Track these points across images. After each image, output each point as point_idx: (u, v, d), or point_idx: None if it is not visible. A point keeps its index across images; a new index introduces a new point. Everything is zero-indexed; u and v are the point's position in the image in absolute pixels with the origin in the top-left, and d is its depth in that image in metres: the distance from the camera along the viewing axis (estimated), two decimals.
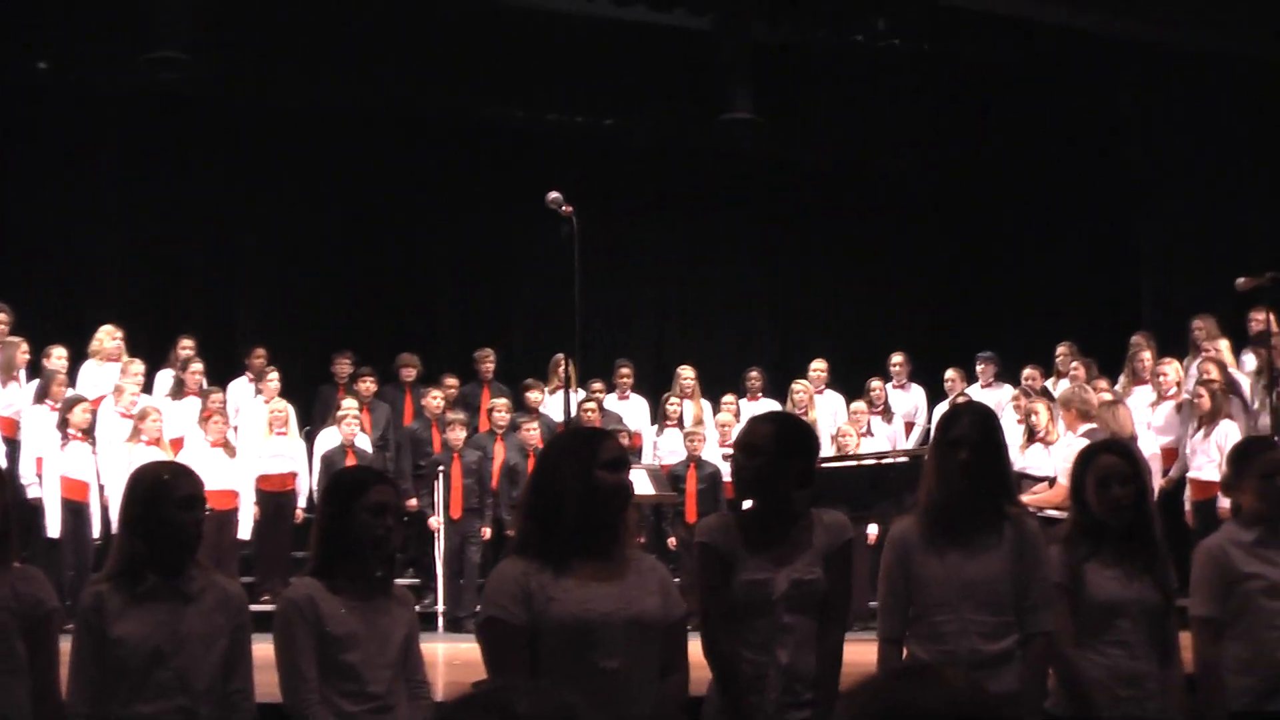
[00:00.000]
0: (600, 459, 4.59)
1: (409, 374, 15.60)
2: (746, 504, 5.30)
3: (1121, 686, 5.34)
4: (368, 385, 14.89)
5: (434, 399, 14.70)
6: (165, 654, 4.93)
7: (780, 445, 5.12)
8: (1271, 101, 16.27)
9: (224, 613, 5.10)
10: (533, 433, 14.12)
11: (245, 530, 13.68)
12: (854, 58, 16.59)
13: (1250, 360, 12.84)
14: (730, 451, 14.07)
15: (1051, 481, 10.89)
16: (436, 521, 14.01)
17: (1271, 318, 10.53)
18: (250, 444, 14.00)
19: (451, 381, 15.29)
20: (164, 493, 5.03)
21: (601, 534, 4.59)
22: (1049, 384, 14.18)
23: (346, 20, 15.21)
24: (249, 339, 15.84)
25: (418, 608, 5.81)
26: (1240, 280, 10.56)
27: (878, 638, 5.30)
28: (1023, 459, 11.37)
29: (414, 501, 14.08)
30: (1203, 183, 17.00)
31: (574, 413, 10.56)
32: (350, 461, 13.47)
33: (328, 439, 14.19)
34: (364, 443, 14.15)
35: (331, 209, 17.25)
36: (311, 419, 15.13)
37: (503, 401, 14.75)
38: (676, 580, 5.04)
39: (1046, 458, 11.75)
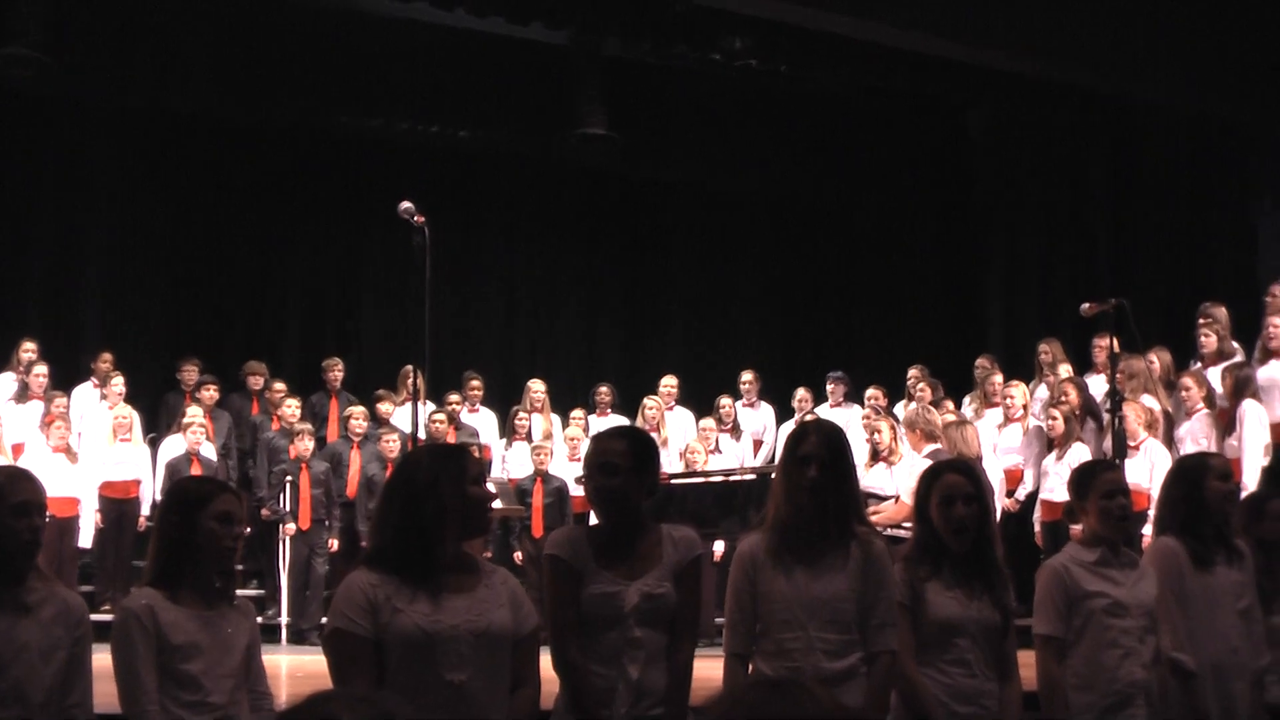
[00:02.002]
0: (469, 474, 4.61)
1: (256, 382, 15.48)
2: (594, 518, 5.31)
3: (961, 704, 5.42)
4: (210, 393, 14.74)
5: (288, 408, 14.57)
6: (1, 666, 4.84)
7: (635, 461, 5.15)
8: (1117, 131, 16.61)
9: (63, 625, 5.03)
10: (391, 443, 14.00)
11: (86, 538, 13.48)
12: (710, 77, 16.66)
13: (1095, 384, 13.05)
14: (579, 472, 14.11)
15: (896, 500, 11.01)
16: (293, 528, 13.88)
17: (1114, 343, 10.70)
18: (93, 450, 13.79)
19: (280, 387, 15.19)
20: None
21: (456, 547, 4.59)
22: (900, 405, 14.31)
23: (201, 24, 15.03)
24: (95, 344, 15.58)
25: (261, 619, 5.76)
26: (1085, 305, 10.72)
27: (724, 653, 5.31)
28: (866, 477, 11.47)
29: (267, 511, 13.96)
30: (1049, 209, 17.30)
31: (422, 424, 10.49)
32: (195, 470, 13.33)
33: (172, 446, 14.02)
34: (209, 451, 13.99)
35: (182, 214, 17.00)
36: (157, 426, 14.94)
37: (360, 410, 14.67)
38: None
39: (889, 477, 11.88)
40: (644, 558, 5.12)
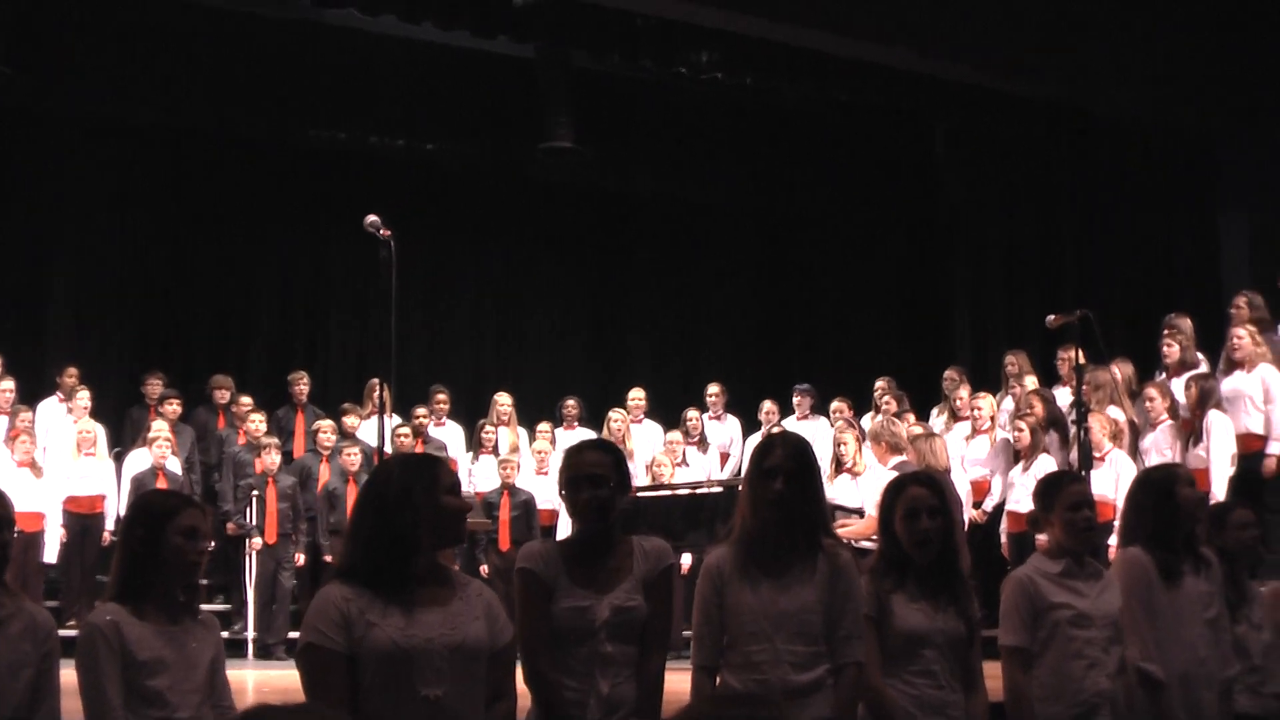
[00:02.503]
0: (443, 484, 4.58)
1: (222, 396, 15.42)
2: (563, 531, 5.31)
3: (927, 715, 5.43)
4: (173, 407, 14.68)
5: (254, 423, 14.53)
6: None
7: (618, 474, 5.19)
8: (1081, 143, 16.68)
9: (31, 640, 5.00)
10: (353, 457, 13.98)
11: (51, 553, 13.42)
12: (677, 90, 16.69)
13: (1060, 396, 13.10)
14: (546, 485, 14.09)
15: (862, 513, 11.04)
16: (260, 542, 13.84)
17: (1079, 354, 10.75)
18: (58, 465, 13.72)
19: (246, 401, 15.15)
20: None
21: (431, 559, 4.57)
22: (867, 417, 14.32)
23: (168, 36, 15.01)
24: (60, 358, 15.51)
25: (228, 634, 5.74)
26: (1050, 317, 10.76)
27: (691, 665, 5.31)
28: (830, 489, 11.50)
29: (233, 525, 13.92)
30: (1015, 221, 17.36)
31: (388, 438, 10.48)
32: (161, 484, 13.28)
33: (137, 461, 13.97)
34: (175, 465, 13.95)
35: (148, 227, 16.95)
36: (122, 440, 14.89)
37: (328, 424, 14.64)
38: None
39: (854, 488, 11.91)
40: (615, 570, 5.14)
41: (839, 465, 12.19)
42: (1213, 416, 11.40)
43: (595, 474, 5.16)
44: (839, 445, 12.31)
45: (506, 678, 4.70)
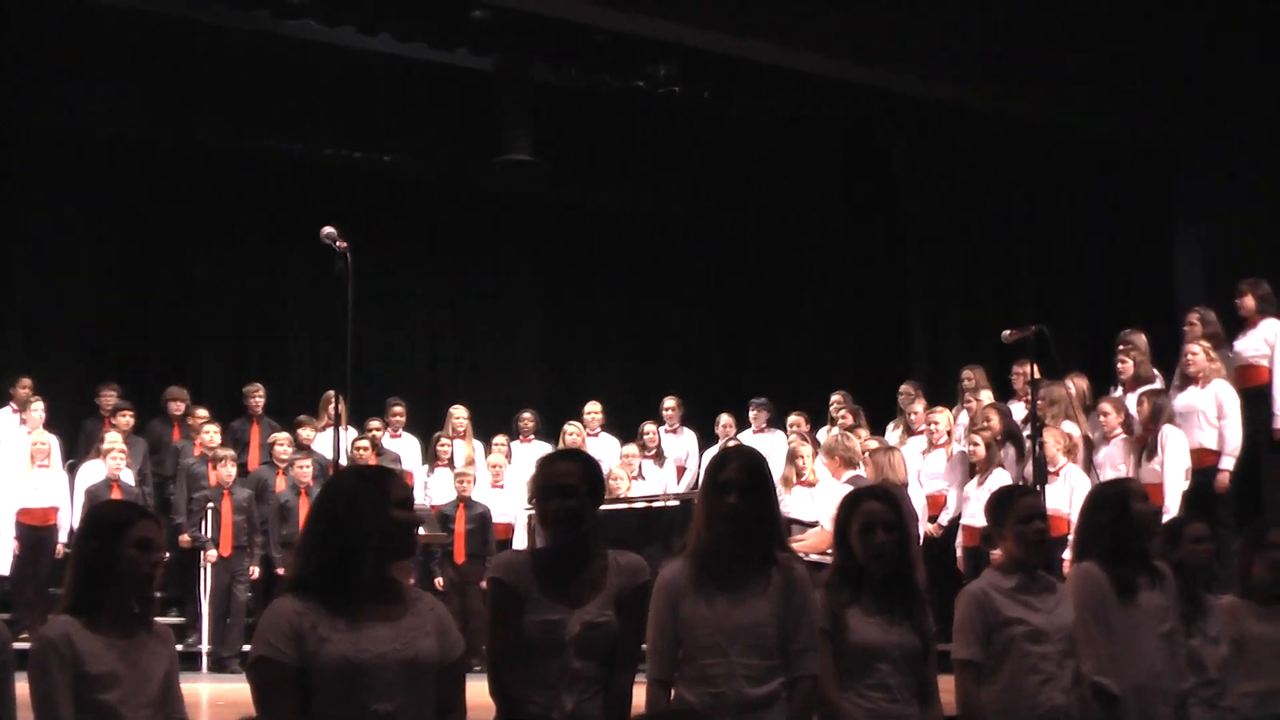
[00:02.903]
0: (393, 497, 4.55)
1: (177, 407, 15.33)
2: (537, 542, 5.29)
3: None
4: (126, 419, 14.59)
5: (208, 434, 14.46)
6: None
7: (588, 484, 5.19)
8: (1037, 158, 16.75)
9: None
10: (306, 469, 13.93)
11: (4, 565, 13.34)
12: (636, 104, 16.70)
13: (1015, 410, 13.14)
14: (503, 498, 14.07)
15: (817, 525, 11.05)
16: (214, 555, 13.77)
17: (1034, 369, 10.79)
18: (12, 476, 13.64)
19: (201, 413, 15.06)
20: None
21: (382, 573, 4.55)
22: (823, 431, 14.32)
23: (124, 46, 14.94)
24: (14, 369, 15.40)
25: (182, 647, 5.71)
26: (1006, 332, 10.79)
27: (647, 679, 5.30)
28: (785, 502, 11.50)
29: (187, 537, 13.84)
30: (971, 236, 17.42)
31: (344, 450, 10.45)
32: (115, 495, 13.18)
33: (91, 472, 13.88)
34: (129, 477, 13.86)
35: (102, 237, 16.86)
36: (76, 452, 14.80)
37: (284, 436, 14.55)
38: None
39: (809, 501, 11.92)
40: (588, 584, 5.13)
41: (796, 477, 12.20)
42: (1167, 431, 11.45)
43: (565, 484, 5.14)
44: (795, 458, 12.34)
45: (456, 693, 4.67)
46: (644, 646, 5.28)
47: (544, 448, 15.15)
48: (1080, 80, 15.48)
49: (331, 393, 13.59)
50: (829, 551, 7.19)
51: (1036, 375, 10.72)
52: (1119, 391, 12.56)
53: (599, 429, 15.83)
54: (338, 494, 4.60)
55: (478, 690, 4.99)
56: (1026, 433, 11.32)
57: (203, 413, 15.03)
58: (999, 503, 6.10)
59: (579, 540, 5.18)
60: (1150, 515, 6.44)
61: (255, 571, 13.96)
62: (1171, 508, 11.10)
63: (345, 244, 8.57)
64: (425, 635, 4.54)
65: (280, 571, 13.52)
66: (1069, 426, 12.00)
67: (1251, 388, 12.20)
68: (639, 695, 5.27)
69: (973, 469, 12.37)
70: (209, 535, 13.84)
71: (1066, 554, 9.86)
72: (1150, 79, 15.65)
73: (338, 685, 4.35)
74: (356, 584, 4.46)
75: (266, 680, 4.39)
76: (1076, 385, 12.70)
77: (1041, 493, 7.80)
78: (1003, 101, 15.87)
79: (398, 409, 15.65)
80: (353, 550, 4.46)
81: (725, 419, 15.74)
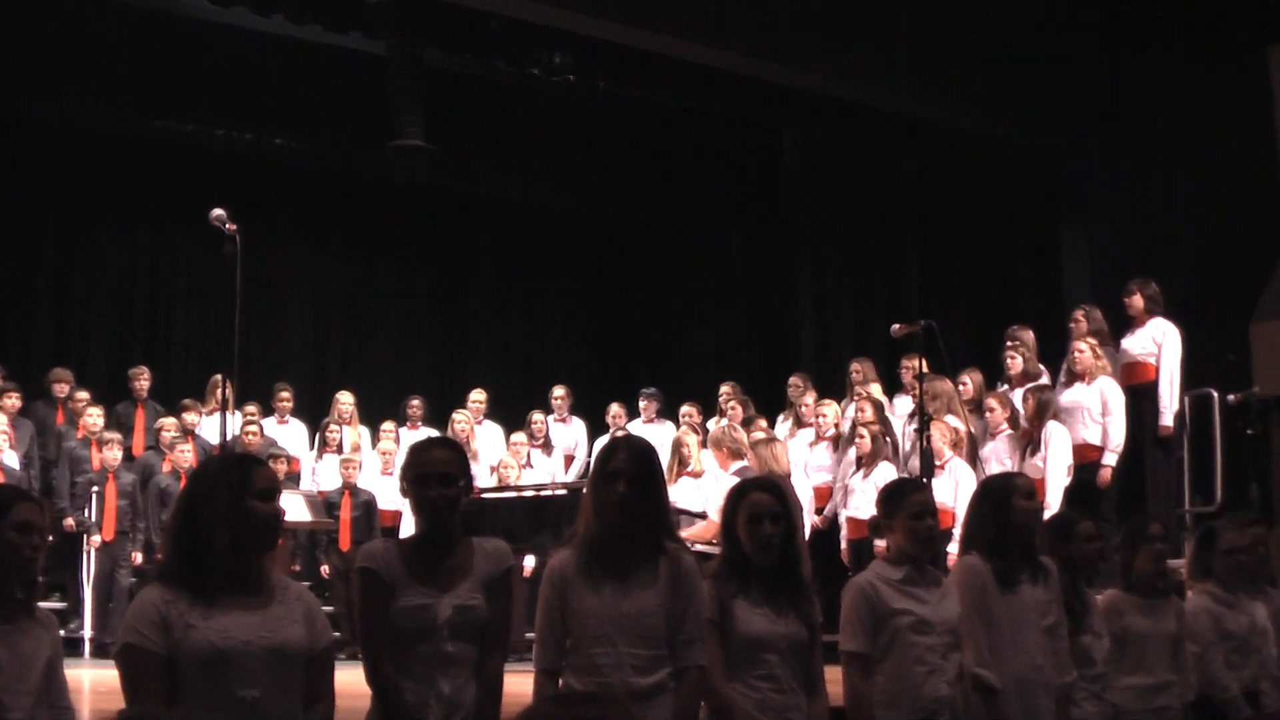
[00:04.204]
0: (253, 488, 4.54)
1: (61, 389, 15.09)
2: (405, 530, 5.27)
3: (769, 718, 5.45)
4: (13, 401, 14.36)
5: (90, 417, 14.25)
6: None
7: (464, 472, 5.16)
8: (928, 155, 16.90)
9: None
10: (185, 454, 13.74)
11: None
12: (530, 92, 16.64)
13: (903, 404, 13.24)
14: (395, 485, 14.00)
15: (705, 516, 11.07)
16: (98, 540, 13.59)
17: (923, 364, 10.88)
18: None
19: (83, 395, 14.86)
20: None
21: (248, 563, 4.54)
22: (712, 423, 14.36)
23: (9, 21, 14.68)
24: None
25: (64, 632, 5.63)
26: (895, 327, 10.89)
27: (534, 669, 5.30)
28: (671, 491, 11.52)
29: (71, 521, 13.65)
30: (861, 230, 17.54)
31: (231, 435, 10.35)
32: None
33: None
34: (11, 460, 13.64)
35: None
36: None
37: (171, 421, 14.34)
38: (328, 609, 4.97)
39: (695, 491, 11.94)
40: (455, 570, 5.11)
41: (680, 466, 12.23)
42: (1051, 427, 11.58)
43: (445, 472, 5.11)
44: (680, 448, 12.37)
45: (324, 681, 4.69)
46: (529, 635, 5.28)
47: (433, 434, 15.10)
48: (969, 81, 15.62)
49: (219, 377, 13.45)
50: (715, 541, 7.22)
51: (924, 369, 10.81)
52: (1007, 387, 12.68)
53: (482, 416, 15.75)
54: (200, 483, 4.62)
55: (354, 679, 4.97)
56: (914, 426, 11.40)
57: (84, 395, 14.82)
58: (890, 496, 6.13)
59: (452, 525, 5.16)
60: (1030, 512, 6.49)
61: (138, 557, 13.79)
62: (1053, 503, 11.23)
63: (235, 226, 8.49)
64: (293, 623, 4.56)
65: (159, 557, 13.37)
66: (953, 420, 12.10)
67: (1137, 385, 12.34)
68: (524, 684, 5.26)
69: (859, 461, 12.42)
70: (93, 520, 13.66)
71: (951, 547, 9.96)
72: (1037, 81, 15.81)
73: (204, 672, 4.37)
74: (220, 572, 4.46)
75: (134, 668, 4.39)
76: (973, 380, 12.82)
77: (928, 486, 7.84)
78: (892, 99, 15.97)
79: (284, 394, 15.53)
80: (206, 539, 4.47)
81: (615, 408, 15.75)
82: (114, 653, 4.47)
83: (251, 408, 14.85)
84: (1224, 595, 7.58)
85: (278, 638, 4.47)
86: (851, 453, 12.59)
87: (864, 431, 12.31)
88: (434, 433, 14.93)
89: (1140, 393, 12.30)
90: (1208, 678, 7.38)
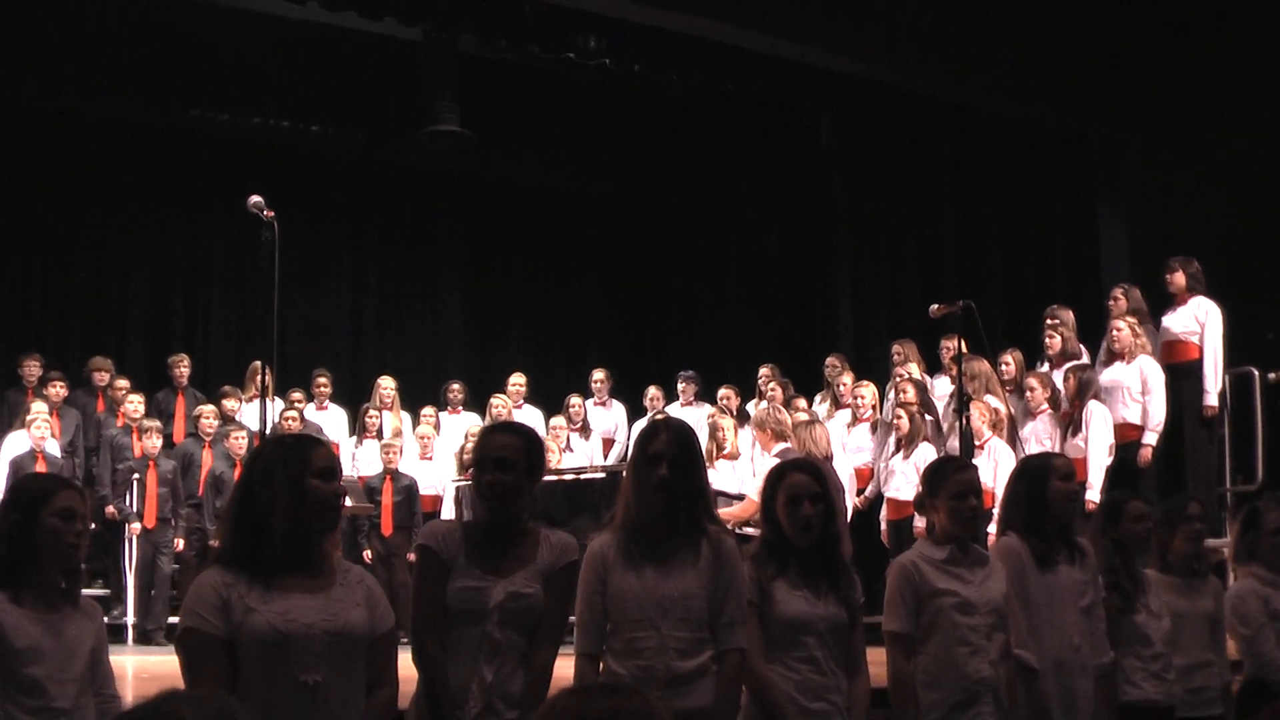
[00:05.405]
0: (313, 467, 4.51)
1: (101, 378, 15.18)
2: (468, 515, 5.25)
3: (810, 700, 5.44)
4: (58, 390, 14.45)
5: (130, 405, 14.33)
6: None
7: (527, 458, 5.14)
8: (963, 138, 16.83)
9: None
10: (239, 440, 13.77)
11: None
12: (564, 76, 16.63)
13: (942, 385, 13.21)
14: (430, 469, 14.03)
15: (743, 499, 11.07)
16: (139, 527, 13.66)
17: (961, 344, 10.84)
18: None
19: (123, 383, 14.95)
20: None
21: (309, 545, 4.52)
22: (751, 405, 14.35)
23: (47, 14, 14.73)
24: None
25: (106, 619, 5.64)
26: (933, 307, 10.85)
27: (575, 653, 5.28)
28: (710, 474, 11.51)
29: (112, 509, 13.72)
30: (899, 212, 17.49)
31: (271, 421, 10.38)
32: (40, 467, 13.05)
33: (15, 444, 13.73)
34: (54, 448, 13.73)
35: (26, 209, 16.71)
36: None
37: (210, 409, 14.43)
38: None
39: (732, 473, 11.94)
40: (517, 558, 5.10)
41: (717, 450, 12.23)
42: (1092, 407, 11.54)
43: (502, 457, 5.10)
44: (716, 431, 12.37)
45: (386, 665, 4.66)
46: (572, 620, 5.27)
47: (472, 419, 15.17)
48: (1005, 62, 15.54)
49: (258, 363, 13.50)
50: (753, 521, 7.22)
51: (964, 350, 10.78)
52: (1046, 367, 12.64)
53: (521, 400, 15.78)
54: (256, 465, 4.57)
55: (407, 662, 4.97)
56: (953, 406, 11.38)
57: (124, 383, 14.91)
58: (934, 475, 6.10)
59: (511, 515, 5.15)
60: (1066, 494, 6.46)
61: (180, 544, 13.86)
62: (1095, 483, 11.21)
63: (272, 213, 8.52)
64: (354, 606, 4.53)
65: (214, 544, 13.42)
66: (993, 401, 12.07)
67: (1179, 363, 12.28)
68: (558, 667, 5.26)
69: (898, 442, 12.40)
70: (134, 507, 13.73)
71: (991, 528, 9.94)
72: (1072, 61, 15.73)
73: (264, 656, 4.33)
74: (280, 555, 4.43)
75: (194, 651, 4.36)
76: (1014, 359, 12.79)
77: (972, 467, 7.82)
78: (929, 81, 15.91)
79: (323, 380, 15.58)
80: (266, 520, 4.44)
81: (653, 391, 15.76)
82: (174, 638, 4.46)
83: (297, 394, 14.90)
84: (1270, 576, 7.49)
85: (339, 621, 4.45)
86: (892, 435, 12.57)
87: (902, 412, 12.29)
88: (475, 417, 15.00)
89: (1181, 371, 12.24)
90: (1260, 660, 7.26)
